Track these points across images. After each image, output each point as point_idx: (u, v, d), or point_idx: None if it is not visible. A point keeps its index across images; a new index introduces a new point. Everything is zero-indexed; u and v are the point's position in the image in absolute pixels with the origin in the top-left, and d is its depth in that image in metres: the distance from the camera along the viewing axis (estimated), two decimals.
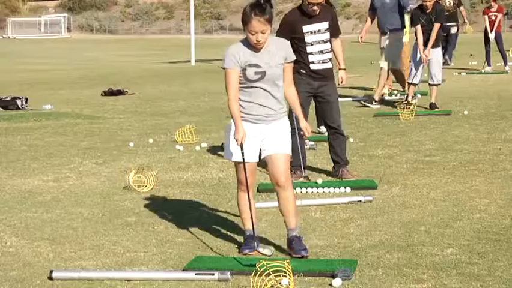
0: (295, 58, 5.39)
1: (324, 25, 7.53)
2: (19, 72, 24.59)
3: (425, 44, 12.32)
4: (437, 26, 12.30)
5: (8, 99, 14.29)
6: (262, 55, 5.20)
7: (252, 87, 5.22)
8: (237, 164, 5.33)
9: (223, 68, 5.23)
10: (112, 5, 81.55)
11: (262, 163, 8.33)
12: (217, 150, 9.39)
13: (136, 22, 77.08)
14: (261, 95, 5.23)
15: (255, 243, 5.34)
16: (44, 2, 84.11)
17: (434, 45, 12.41)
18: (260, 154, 5.35)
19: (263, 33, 5.12)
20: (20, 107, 14.03)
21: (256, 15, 5.08)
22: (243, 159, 5.20)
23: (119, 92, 16.84)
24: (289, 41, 5.67)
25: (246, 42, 5.21)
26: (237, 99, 5.20)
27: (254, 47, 5.18)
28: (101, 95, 16.64)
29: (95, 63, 29.17)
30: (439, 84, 12.67)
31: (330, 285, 4.67)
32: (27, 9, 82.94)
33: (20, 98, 14.30)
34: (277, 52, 5.23)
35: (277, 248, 5.45)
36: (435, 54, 12.48)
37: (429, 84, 12.69)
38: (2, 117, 12.87)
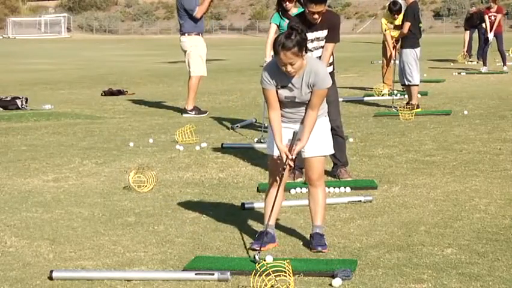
0: (326, 86, 5.30)
1: (324, 33, 7.51)
2: (19, 72, 24.59)
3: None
4: (406, 25, 12.42)
5: (8, 99, 14.27)
6: (296, 80, 5.25)
7: (286, 104, 5.35)
8: (272, 159, 5.45)
9: (262, 87, 5.36)
10: (112, 5, 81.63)
11: (258, 160, 8.35)
12: (217, 150, 9.40)
13: (136, 22, 77.19)
14: (296, 108, 5.36)
15: (267, 240, 5.39)
16: (44, 2, 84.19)
17: (405, 46, 12.52)
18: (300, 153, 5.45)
19: (292, 65, 5.15)
20: (20, 107, 14.02)
21: (283, 48, 5.10)
22: (284, 166, 5.29)
23: (119, 92, 16.83)
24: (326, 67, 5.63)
25: None
26: (277, 112, 5.32)
27: None
28: (101, 95, 16.63)
29: (95, 63, 29.18)
30: (412, 85, 12.60)
31: (330, 285, 4.67)
32: (27, 9, 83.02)
33: (20, 98, 14.28)
34: (308, 79, 5.24)
35: (278, 248, 5.46)
36: (404, 55, 12.53)
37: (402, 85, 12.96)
38: (2, 117, 12.86)
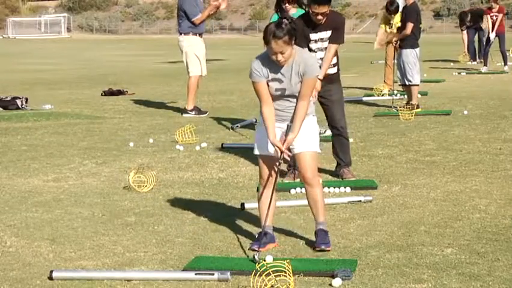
0: (315, 74, 5.34)
1: (328, 33, 7.48)
2: (19, 72, 24.58)
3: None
4: (409, 25, 12.41)
5: (8, 99, 14.26)
6: (286, 70, 5.28)
7: (276, 97, 5.34)
8: (261, 159, 5.46)
9: (252, 81, 5.36)
10: (112, 5, 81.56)
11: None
12: (217, 150, 9.40)
13: (136, 22, 77.09)
14: (285, 104, 5.37)
15: (266, 240, 5.40)
16: (44, 2, 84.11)
17: (405, 46, 12.50)
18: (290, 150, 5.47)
19: (282, 53, 5.19)
20: (20, 107, 14.01)
21: (274, 37, 5.15)
22: (279, 162, 5.33)
23: (119, 92, 16.83)
24: (313, 55, 5.61)
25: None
26: (270, 107, 5.31)
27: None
28: (101, 95, 16.63)
29: (95, 63, 29.17)
30: (412, 85, 12.58)
31: (330, 285, 4.67)
32: (27, 9, 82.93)
33: (20, 98, 14.28)
34: (298, 68, 5.27)
35: (278, 248, 5.46)
36: (405, 55, 12.51)
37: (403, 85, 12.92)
38: (2, 117, 12.86)
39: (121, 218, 6.40)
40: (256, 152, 5.50)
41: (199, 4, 12.89)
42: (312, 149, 5.44)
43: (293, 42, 5.21)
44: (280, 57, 5.20)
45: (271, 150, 5.38)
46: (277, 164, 5.35)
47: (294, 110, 5.33)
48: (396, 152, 9.02)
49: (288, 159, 5.47)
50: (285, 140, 5.30)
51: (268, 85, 5.31)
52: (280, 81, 5.29)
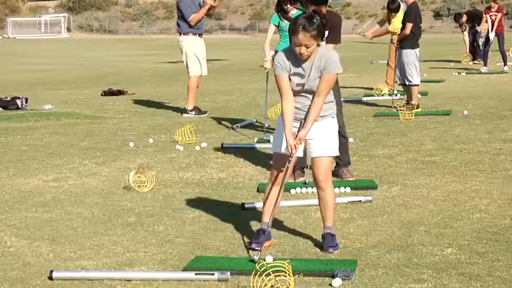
0: (335, 71, 5.34)
1: (325, 33, 7.50)
2: (19, 72, 24.59)
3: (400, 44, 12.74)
4: (408, 25, 12.43)
5: (8, 99, 14.26)
6: (307, 65, 5.31)
7: (296, 95, 5.36)
8: (275, 156, 5.51)
9: (274, 74, 5.41)
10: (112, 5, 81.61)
11: (255, 160, 8.36)
12: (217, 150, 9.40)
13: (136, 22, 77.15)
14: (304, 101, 5.38)
15: (264, 238, 5.40)
16: (44, 2, 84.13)
17: (405, 46, 12.50)
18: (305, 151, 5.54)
19: (307, 47, 5.21)
20: (20, 107, 14.01)
21: (303, 29, 5.17)
22: (289, 160, 5.36)
23: (119, 92, 16.84)
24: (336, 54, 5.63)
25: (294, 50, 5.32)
26: (290, 102, 5.33)
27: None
28: (101, 95, 16.64)
29: (95, 63, 29.17)
30: (412, 85, 12.58)
31: (330, 285, 4.67)
32: (27, 9, 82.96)
33: (20, 98, 14.28)
34: (319, 63, 5.29)
35: (278, 248, 5.46)
36: (404, 56, 12.51)
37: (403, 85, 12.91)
38: (2, 117, 12.85)
39: (121, 218, 6.40)
40: (273, 148, 5.58)
41: (196, 4, 12.85)
42: (329, 154, 5.48)
43: (319, 39, 5.24)
44: (304, 49, 5.22)
45: (283, 149, 5.41)
46: (288, 161, 5.37)
47: (309, 107, 5.36)
48: (396, 152, 9.02)
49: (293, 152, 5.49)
50: (296, 136, 5.33)
51: (290, 79, 5.34)
52: (301, 76, 5.32)
